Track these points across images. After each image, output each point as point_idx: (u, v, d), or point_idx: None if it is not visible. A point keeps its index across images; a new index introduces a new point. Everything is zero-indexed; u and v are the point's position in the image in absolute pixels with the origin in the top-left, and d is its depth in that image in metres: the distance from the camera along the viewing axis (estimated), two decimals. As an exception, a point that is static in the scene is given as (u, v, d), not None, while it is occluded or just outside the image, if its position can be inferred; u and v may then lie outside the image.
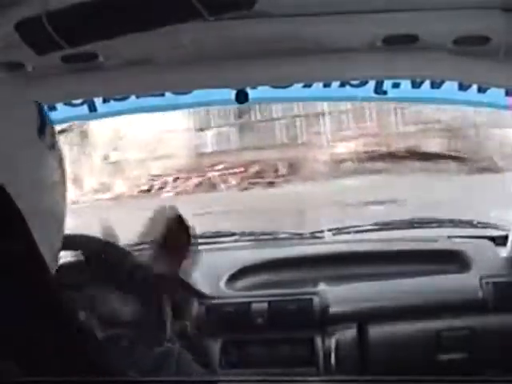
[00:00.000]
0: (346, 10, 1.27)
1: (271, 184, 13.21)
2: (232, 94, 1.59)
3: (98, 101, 1.82)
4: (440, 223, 2.49)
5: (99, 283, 1.93)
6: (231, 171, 13.90)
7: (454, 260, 2.12)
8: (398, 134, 12.71)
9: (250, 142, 14.19)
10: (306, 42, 1.31)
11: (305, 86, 1.81)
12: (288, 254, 2.24)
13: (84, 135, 14.65)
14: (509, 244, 2.08)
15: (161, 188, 14.06)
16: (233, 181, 13.60)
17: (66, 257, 1.96)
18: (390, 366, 1.87)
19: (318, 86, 1.80)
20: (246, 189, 13.15)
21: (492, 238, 2.20)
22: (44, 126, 0.75)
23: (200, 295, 2.04)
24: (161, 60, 1.34)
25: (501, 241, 2.15)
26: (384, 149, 12.72)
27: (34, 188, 0.70)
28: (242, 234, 2.45)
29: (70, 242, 1.88)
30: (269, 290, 2.08)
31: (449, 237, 2.27)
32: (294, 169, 13.45)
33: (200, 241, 2.46)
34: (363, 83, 1.81)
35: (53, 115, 1.75)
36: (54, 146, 0.76)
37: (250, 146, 14.16)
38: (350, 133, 13.20)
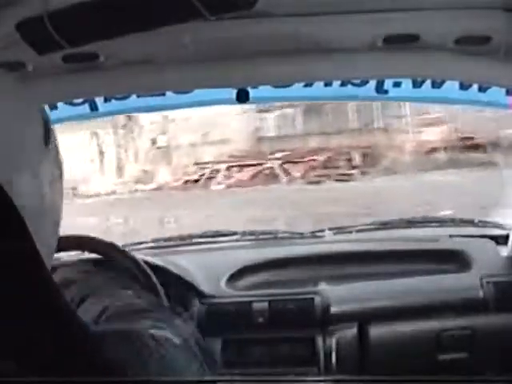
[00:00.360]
0: (347, 10, 1.27)
1: (343, 177, 10.89)
2: (233, 93, 1.59)
3: (99, 100, 1.82)
4: (441, 222, 2.48)
5: (104, 283, 1.94)
6: (295, 160, 11.65)
7: (454, 259, 2.11)
8: (499, 118, 9.50)
9: (317, 126, 11.92)
10: (306, 41, 1.31)
11: (306, 86, 1.81)
12: (289, 254, 2.24)
13: (130, 117, 12.97)
14: (510, 243, 2.08)
15: (211, 178, 12.09)
16: (297, 172, 11.47)
17: (73, 257, 1.98)
18: (391, 366, 1.87)
19: (318, 86, 1.80)
20: (312, 182, 10.89)
21: (493, 238, 2.20)
22: (48, 134, 0.75)
23: (201, 294, 2.04)
24: (161, 60, 1.35)
25: (502, 240, 2.15)
26: (483, 136, 10.04)
27: (32, 187, 0.70)
28: (243, 233, 2.46)
29: (77, 243, 1.90)
30: (269, 290, 2.08)
31: (450, 236, 2.27)
32: (370, 159, 11.12)
33: (201, 240, 2.48)
34: (364, 82, 1.81)
35: (53, 114, 1.76)
36: (51, 141, 0.76)
37: (316, 131, 11.89)
38: (439, 116, 10.54)
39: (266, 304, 1.98)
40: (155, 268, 1.98)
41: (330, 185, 10.13)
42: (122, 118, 12.88)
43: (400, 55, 1.41)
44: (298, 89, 1.81)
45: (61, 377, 0.59)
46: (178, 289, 2.03)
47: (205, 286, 2.05)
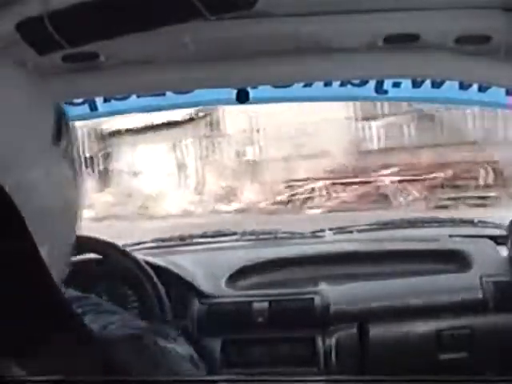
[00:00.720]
0: (347, 10, 1.27)
1: (479, 200, 8.50)
2: (233, 93, 1.59)
3: (98, 100, 1.82)
4: (441, 222, 2.49)
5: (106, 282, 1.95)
6: (409, 177, 9.34)
7: (454, 259, 2.12)
8: None
9: (429, 137, 9.87)
10: (306, 41, 1.31)
11: (305, 86, 1.81)
12: (289, 254, 2.24)
13: (214, 126, 11.37)
14: (510, 243, 2.08)
15: (307, 199, 9.95)
16: (414, 191, 9.14)
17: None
18: (390, 366, 1.87)
19: (318, 86, 1.80)
20: (440, 206, 8.50)
21: (493, 238, 2.20)
22: (60, 132, 0.74)
23: (201, 294, 2.04)
24: (161, 60, 1.34)
25: (502, 240, 2.15)
26: None
27: (43, 189, 0.70)
28: (243, 233, 2.46)
29: (79, 244, 1.90)
30: (269, 290, 2.08)
31: (450, 236, 2.28)
32: (504, 177, 8.83)
33: (201, 240, 2.48)
34: (364, 82, 1.81)
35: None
36: (64, 139, 0.75)
37: (430, 143, 9.81)
38: None
39: (265, 304, 1.99)
40: (156, 268, 1.98)
41: (466, 211, 7.50)
42: (203, 127, 11.29)
43: (400, 55, 1.41)
44: (297, 89, 1.82)
45: (61, 377, 0.59)
46: (179, 289, 2.03)
47: (205, 286, 2.06)
